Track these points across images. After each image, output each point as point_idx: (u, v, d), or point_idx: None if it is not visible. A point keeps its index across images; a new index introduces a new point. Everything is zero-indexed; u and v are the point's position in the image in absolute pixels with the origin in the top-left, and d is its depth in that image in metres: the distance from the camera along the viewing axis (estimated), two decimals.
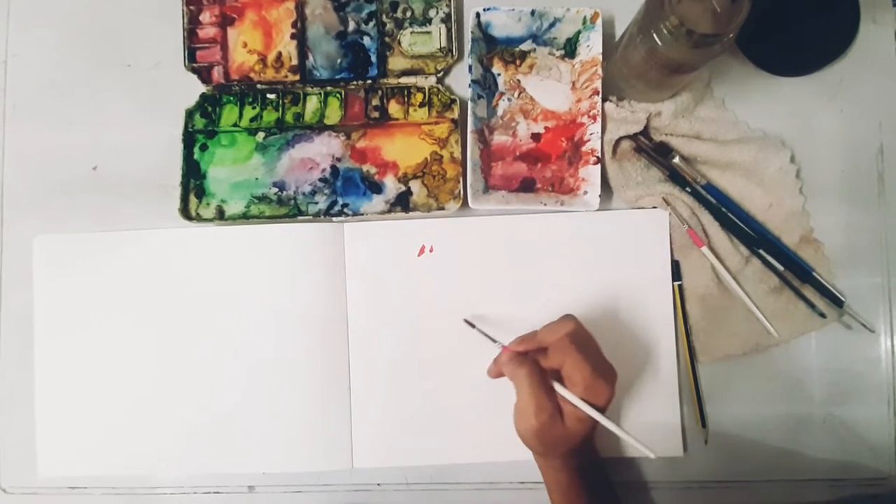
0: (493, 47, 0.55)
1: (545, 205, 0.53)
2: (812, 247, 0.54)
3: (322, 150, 0.55)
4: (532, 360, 0.46)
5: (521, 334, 0.48)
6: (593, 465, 0.50)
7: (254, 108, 0.55)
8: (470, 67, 0.53)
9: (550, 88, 0.55)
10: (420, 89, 0.55)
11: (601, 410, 0.45)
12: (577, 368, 0.44)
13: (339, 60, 0.56)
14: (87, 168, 0.57)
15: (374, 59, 0.55)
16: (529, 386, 0.45)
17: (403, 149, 0.55)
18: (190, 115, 0.55)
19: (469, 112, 0.53)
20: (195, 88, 0.55)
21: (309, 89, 0.55)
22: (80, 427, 0.54)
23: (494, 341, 0.49)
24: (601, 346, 0.48)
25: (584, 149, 0.54)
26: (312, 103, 0.56)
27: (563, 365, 0.45)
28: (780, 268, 0.53)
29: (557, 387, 0.46)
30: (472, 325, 0.52)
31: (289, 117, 0.55)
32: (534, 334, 0.48)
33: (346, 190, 0.54)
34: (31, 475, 0.54)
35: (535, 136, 0.55)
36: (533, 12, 0.53)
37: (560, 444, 0.46)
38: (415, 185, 0.54)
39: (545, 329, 0.47)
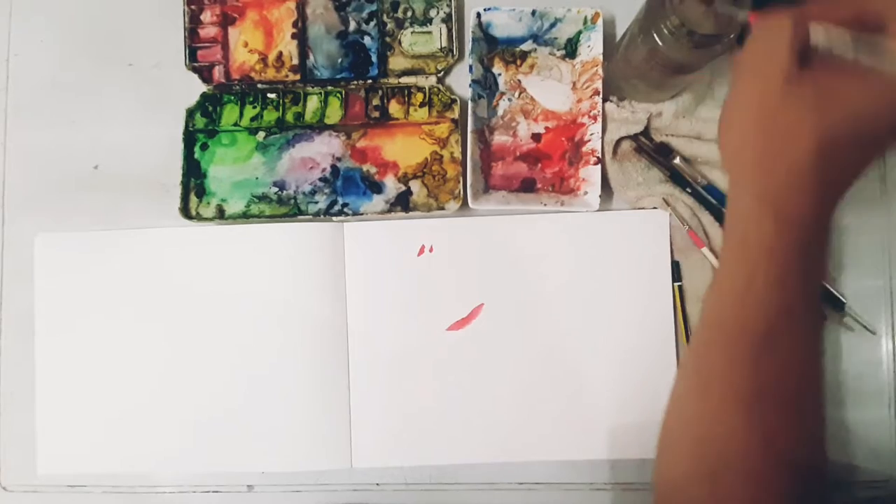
0: (494, 47, 0.55)
1: (545, 205, 0.53)
2: None
3: (322, 150, 0.55)
4: (799, 12, 0.29)
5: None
6: (823, 249, 0.31)
7: (254, 107, 0.56)
8: (470, 67, 0.53)
9: (551, 88, 0.55)
10: (420, 89, 0.55)
11: None
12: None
13: (339, 60, 0.56)
14: (88, 167, 0.57)
15: (374, 58, 0.55)
16: (766, 39, 0.29)
17: (404, 149, 0.55)
18: (191, 114, 0.55)
19: (469, 112, 0.53)
20: (196, 88, 0.55)
21: (309, 89, 0.56)
22: (81, 425, 0.54)
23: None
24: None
25: (584, 149, 0.53)
26: (313, 103, 0.56)
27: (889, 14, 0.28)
28: None
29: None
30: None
31: (289, 117, 0.55)
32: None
33: (346, 189, 0.54)
34: (31, 473, 0.54)
35: (536, 137, 0.55)
36: (534, 12, 0.53)
37: (795, 157, 0.28)
38: (415, 185, 0.54)
39: None
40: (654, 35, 0.44)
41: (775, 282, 0.30)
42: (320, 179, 0.55)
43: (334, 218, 0.54)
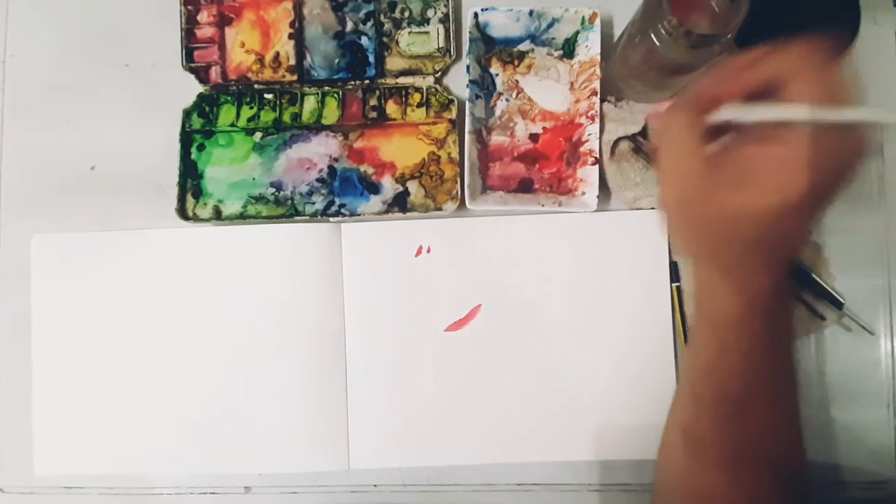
0: (492, 47, 0.55)
1: (543, 205, 0.53)
2: (811, 248, 0.54)
3: (319, 150, 0.55)
4: (694, 97, 0.31)
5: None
6: (787, 310, 0.32)
7: (251, 107, 0.55)
8: (468, 68, 0.53)
9: (549, 89, 0.55)
10: (418, 89, 0.55)
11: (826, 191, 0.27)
12: (825, 71, 0.28)
13: (336, 60, 0.56)
14: (84, 168, 0.57)
15: (371, 59, 0.55)
16: (671, 129, 0.29)
17: (401, 149, 0.55)
18: (187, 114, 0.55)
19: (467, 112, 0.53)
20: (193, 88, 0.55)
21: (306, 89, 0.55)
22: (77, 426, 0.54)
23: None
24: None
25: (582, 149, 0.53)
26: (310, 103, 0.55)
27: (796, 72, 0.28)
28: None
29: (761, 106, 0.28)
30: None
31: (286, 117, 0.55)
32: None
33: (343, 190, 0.54)
34: (27, 474, 0.54)
35: (534, 137, 0.55)
36: (531, 12, 0.53)
37: (729, 229, 0.28)
38: (412, 186, 0.54)
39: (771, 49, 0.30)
40: (652, 35, 0.43)
41: (746, 350, 0.31)
42: (317, 180, 0.55)
43: (331, 219, 0.54)
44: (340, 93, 0.55)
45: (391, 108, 0.55)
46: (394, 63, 0.55)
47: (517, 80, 0.55)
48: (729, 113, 0.30)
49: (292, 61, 0.55)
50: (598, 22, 0.52)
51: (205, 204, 0.55)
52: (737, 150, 0.29)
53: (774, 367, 0.32)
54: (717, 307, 0.31)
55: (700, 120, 0.30)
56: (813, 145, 0.27)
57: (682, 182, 0.29)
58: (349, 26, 0.56)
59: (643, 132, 0.53)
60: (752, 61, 0.29)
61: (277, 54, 0.56)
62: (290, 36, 0.55)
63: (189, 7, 0.55)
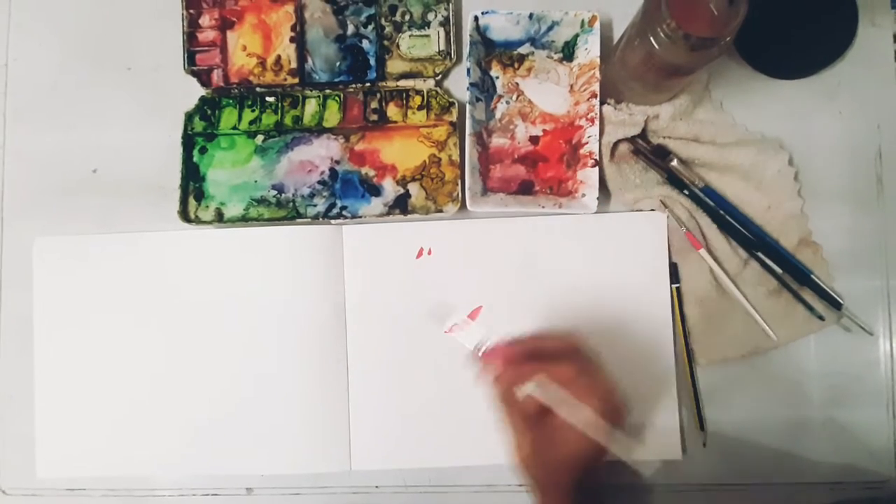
0: (492, 50, 0.55)
1: (543, 207, 0.53)
2: (811, 249, 0.54)
3: (321, 153, 0.55)
4: (504, 390, 0.42)
5: (516, 338, 0.44)
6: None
7: (253, 110, 0.56)
8: (468, 70, 0.53)
9: (549, 91, 0.55)
10: (419, 92, 0.55)
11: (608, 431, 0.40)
12: (593, 376, 0.40)
13: (337, 63, 0.56)
14: (87, 170, 0.57)
15: (372, 62, 0.56)
16: (510, 413, 0.41)
17: (402, 151, 0.55)
18: (189, 117, 0.55)
19: (467, 115, 0.53)
20: (195, 91, 0.56)
21: (308, 92, 0.56)
22: (80, 428, 0.54)
23: (476, 348, 0.45)
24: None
25: (582, 151, 0.54)
26: (311, 106, 0.56)
27: (573, 373, 0.40)
28: (779, 270, 0.53)
29: (564, 402, 0.40)
30: (451, 331, 0.50)
31: (288, 120, 0.56)
32: (533, 343, 0.43)
33: (344, 192, 0.55)
34: (30, 476, 0.54)
35: (534, 139, 0.55)
36: (531, 15, 0.53)
37: (555, 473, 0.41)
38: (413, 188, 0.55)
39: (548, 333, 0.44)
40: (651, 38, 0.44)
41: None
42: (319, 182, 0.55)
43: (333, 221, 0.54)
44: (342, 96, 0.56)
45: (392, 111, 0.55)
46: (394, 66, 0.56)
47: (517, 83, 0.55)
48: (531, 390, 0.41)
49: (294, 64, 0.56)
50: (597, 25, 0.52)
51: (207, 206, 0.55)
52: (549, 417, 0.41)
53: None
54: None
55: (520, 407, 0.41)
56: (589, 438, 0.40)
57: (521, 450, 0.41)
58: (350, 29, 0.56)
59: (643, 135, 0.54)
60: (539, 362, 0.41)
61: (279, 57, 0.56)
62: (292, 39, 0.56)
63: (191, 11, 0.56)
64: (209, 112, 0.56)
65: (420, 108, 0.55)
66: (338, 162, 0.55)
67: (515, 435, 0.41)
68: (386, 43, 0.56)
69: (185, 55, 0.56)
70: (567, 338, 0.43)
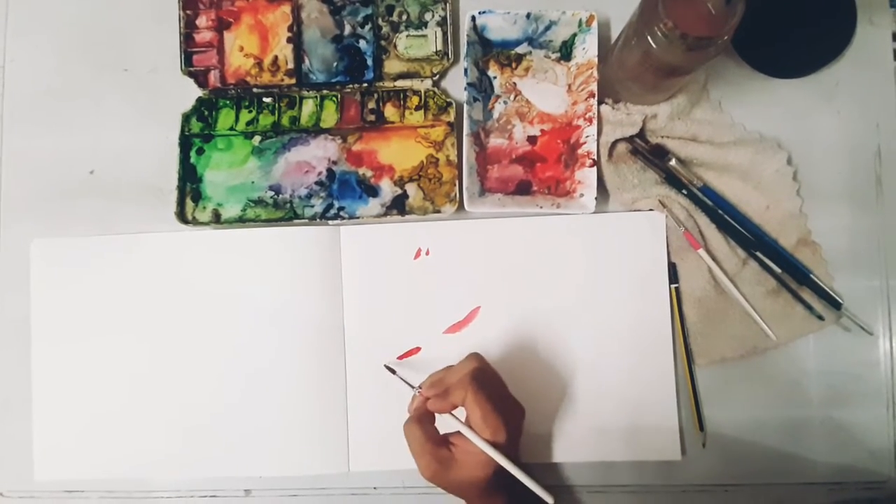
0: (489, 50, 0.55)
1: (541, 207, 0.53)
2: (809, 249, 0.54)
3: (318, 154, 0.55)
4: (416, 415, 0.47)
5: (432, 373, 0.48)
6: None
7: (250, 111, 0.56)
8: (466, 70, 0.53)
9: (546, 91, 0.55)
10: (416, 92, 0.55)
11: (506, 448, 0.44)
12: (476, 405, 0.44)
13: (335, 64, 0.56)
14: (84, 172, 0.57)
15: (370, 62, 0.56)
16: (412, 441, 0.45)
17: (399, 152, 0.55)
18: (186, 118, 0.55)
19: (465, 115, 0.53)
20: (192, 92, 0.56)
21: (305, 93, 0.56)
22: (77, 431, 0.54)
23: (412, 387, 0.48)
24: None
25: (580, 151, 0.53)
26: (308, 107, 0.56)
27: (465, 402, 0.45)
28: (778, 270, 0.53)
29: (455, 423, 0.46)
30: (393, 371, 0.51)
31: (285, 121, 0.55)
32: (442, 374, 0.47)
33: (342, 193, 0.55)
34: (27, 479, 0.54)
35: (532, 139, 0.55)
36: (528, 15, 0.53)
37: (466, 489, 0.46)
38: (411, 188, 0.54)
39: (450, 369, 0.47)
40: (648, 38, 0.44)
41: None
42: (316, 183, 0.55)
43: (330, 221, 0.54)
44: (339, 96, 0.55)
45: (389, 111, 0.55)
46: (392, 66, 0.56)
47: (515, 83, 0.55)
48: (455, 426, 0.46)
49: (291, 65, 0.56)
50: (595, 24, 0.52)
51: (204, 207, 0.55)
52: (454, 447, 0.46)
53: None
54: None
55: (427, 430, 0.46)
56: (488, 460, 0.45)
57: (427, 471, 0.45)
58: (347, 30, 0.56)
59: (641, 134, 0.54)
60: (444, 391, 0.46)
61: (276, 58, 0.56)
62: (289, 40, 0.56)
63: (188, 11, 0.56)
64: (206, 113, 0.56)
65: (417, 108, 0.55)
66: (335, 162, 0.55)
67: (418, 457, 0.45)
68: (383, 43, 0.56)
69: (182, 56, 0.56)
70: (461, 366, 0.47)
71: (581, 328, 0.53)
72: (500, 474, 0.45)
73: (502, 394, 0.48)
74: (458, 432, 0.46)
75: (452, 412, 0.46)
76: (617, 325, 0.53)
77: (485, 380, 0.46)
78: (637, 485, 0.53)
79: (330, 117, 0.55)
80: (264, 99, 0.56)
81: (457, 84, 0.55)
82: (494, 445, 0.44)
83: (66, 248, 0.55)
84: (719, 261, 0.53)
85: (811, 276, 0.53)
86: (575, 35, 0.54)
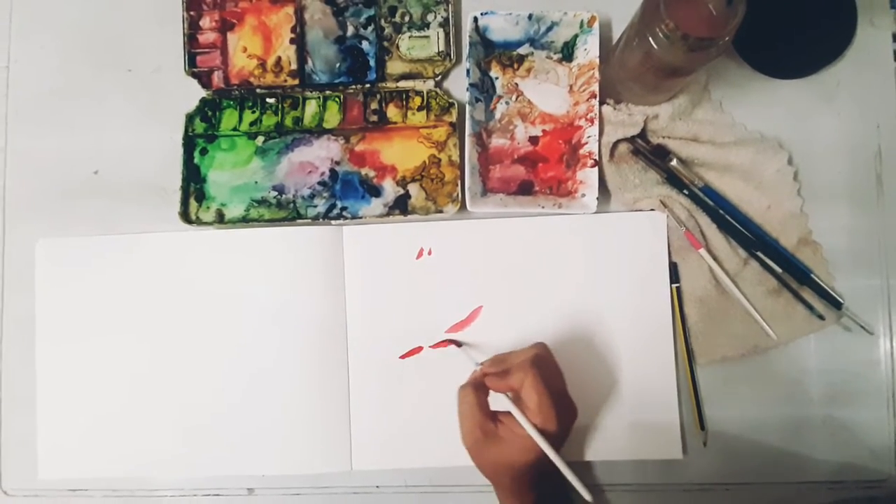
0: (491, 51, 0.55)
1: (543, 207, 0.53)
2: (810, 248, 0.54)
3: (321, 154, 0.55)
4: (474, 381, 0.47)
5: (497, 354, 0.48)
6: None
7: (253, 112, 0.56)
8: (468, 71, 0.53)
9: (548, 92, 0.55)
10: (418, 93, 0.55)
11: (552, 442, 0.44)
12: (533, 389, 0.44)
13: (337, 65, 0.56)
14: (88, 172, 0.57)
15: (372, 63, 0.56)
16: (463, 404, 0.46)
17: (402, 152, 0.55)
18: (190, 119, 0.56)
19: (467, 115, 0.53)
20: (195, 93, 0.56)
21: (308, 93, 0.56)
22: (81, 429, 0.54)
23: (475, 362, 0.49)
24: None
25: (581, 151, 0.54)
26: (311, 107, 0.56)
27: (522, 386, 0.45)
28: (779, 270, 0.53)
29: (506, 402, 0.45)
30: (459, 345, 0.52)
31: (288, 121, 0.56)
32: (505, 355, 0.48)
33: (344, 193, 0.55)
34: (31, 477, 0.55)
35: (533, 139, 0.55)
36: (530, 16, 0.53)
37: (500, 472, 0.46)
38: (413, 189, 0.55)
39: (514, 352, 0.48)
40: (650, 39, 0.44)
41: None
42: (319, 183, 0.55)
43: (333, 221, 0.55)
44: (342, 97, 0.56)
45: (392, 112, 0.55)
46: (394, 67, 0.56)
47: (517, 84, 0.56)
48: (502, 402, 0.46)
49: (294, 66, 0.56)
50: (596, 25, 0.53)
51: (208, 207, 0.55)
52: (501, 425, 0.45)
53: None
54: None
55: (480, 398, 0.46)
56: (532, 446, 0.44)
57: (469, 438, 0.45)
58: (350, 31, 0.56)
59: (642, 135, 0.54)
60: (504, 371, 0.46)
61: (279, 59, 0.56)
62: (292, 41, 0.56)
63: (191, 12, 0.56)
64: (210, 113, 0.56)
65: (420, 108, 0.55)
66: (338, 163, 0.55)
67: (465, 421, 0.45)
68: (386, 44, 0.56)
69: (186, 57, 0.56)
70: (525, 351, 0.47)
71: (582, 327, 0.54)
72: (538, 467, 0.44)
73: (560, 389, 0.48)
74: (509, 413, 0.45)
75: (508, 394, 0.46)
76: (618, 325, 0.53)
77: (546, 369, 0.46)
78: (638, 483, 0.54)
79: (333, 118, 0.56)
80: (267, 99, 0.56)
81: (459, 85, 0.55)
82: (542, 434, 0.44)
83: (71, 248, 0.56)
84: (720, 260, 0.53)
85: (812, 275, 0.53)
86: (576, 36, 0.54)
